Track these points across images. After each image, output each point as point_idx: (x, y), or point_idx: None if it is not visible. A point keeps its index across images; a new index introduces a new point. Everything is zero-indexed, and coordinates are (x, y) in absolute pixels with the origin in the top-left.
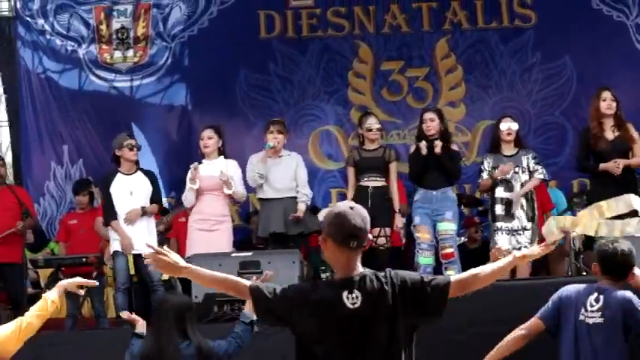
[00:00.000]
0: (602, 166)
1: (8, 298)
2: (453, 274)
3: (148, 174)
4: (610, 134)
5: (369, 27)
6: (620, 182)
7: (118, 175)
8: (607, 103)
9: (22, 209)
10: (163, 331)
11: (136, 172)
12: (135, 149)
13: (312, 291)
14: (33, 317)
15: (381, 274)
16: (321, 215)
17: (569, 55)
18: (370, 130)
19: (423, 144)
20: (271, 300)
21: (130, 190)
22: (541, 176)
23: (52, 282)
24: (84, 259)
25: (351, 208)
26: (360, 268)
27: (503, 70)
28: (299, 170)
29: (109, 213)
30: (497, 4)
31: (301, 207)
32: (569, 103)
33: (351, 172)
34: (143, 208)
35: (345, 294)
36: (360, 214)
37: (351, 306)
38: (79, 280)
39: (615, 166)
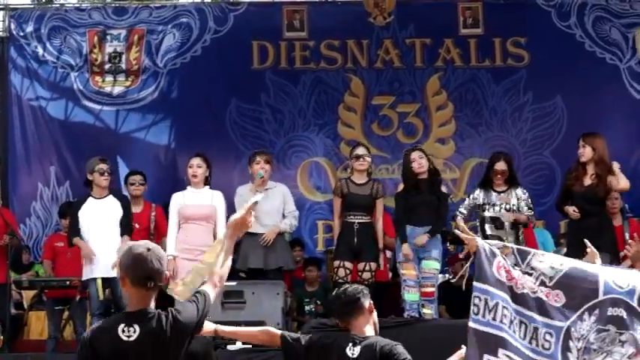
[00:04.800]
0: (565, 208)
1: None
2: (430, 313)
3: (121, 198)
4: (588, 180)
5: (361, 61)
6: (593, 228)
7: (89, 199)
8: (580, 151)
9: (7, 230)
10: None
11: (107, 196)
12: (106, 174)
13: None
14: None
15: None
16: (120, 251)
17: (561, 95)
18: (358, 159)
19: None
20: None
21: (98, 215)
22: (530, 213)
23: (35, 304)
24: (67, 282)
25: (148, 249)
26: (152, 306)
27: (494, 108)
28: (287, 201)
29: (72, 232)
30: (490, 43)
31: (282, 226)
32: (558, 143)
33: (338, 202)
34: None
35: (121, 327)
36: (157, 256)
37: (126, 338)
38: None
39: (572, 211)
